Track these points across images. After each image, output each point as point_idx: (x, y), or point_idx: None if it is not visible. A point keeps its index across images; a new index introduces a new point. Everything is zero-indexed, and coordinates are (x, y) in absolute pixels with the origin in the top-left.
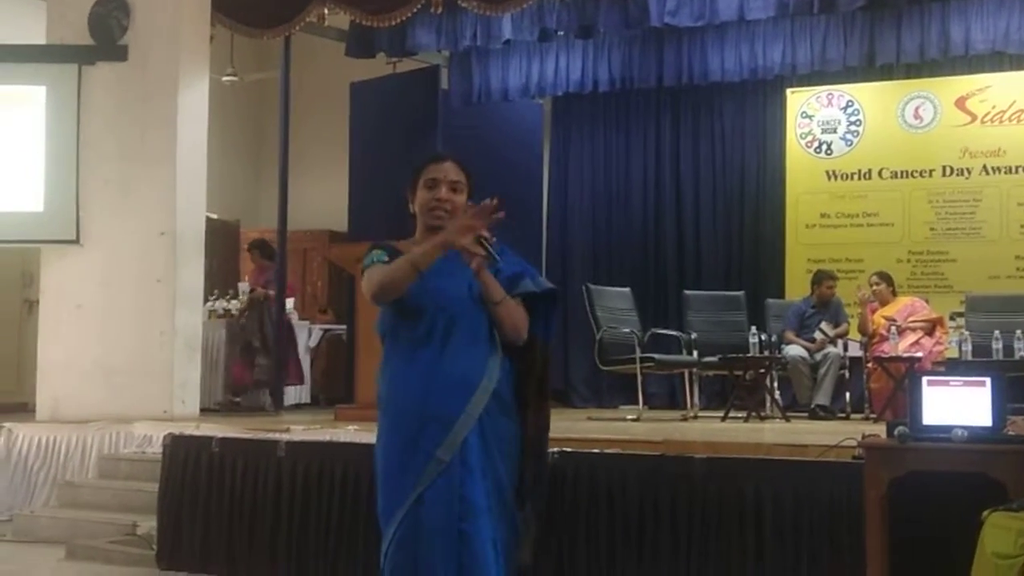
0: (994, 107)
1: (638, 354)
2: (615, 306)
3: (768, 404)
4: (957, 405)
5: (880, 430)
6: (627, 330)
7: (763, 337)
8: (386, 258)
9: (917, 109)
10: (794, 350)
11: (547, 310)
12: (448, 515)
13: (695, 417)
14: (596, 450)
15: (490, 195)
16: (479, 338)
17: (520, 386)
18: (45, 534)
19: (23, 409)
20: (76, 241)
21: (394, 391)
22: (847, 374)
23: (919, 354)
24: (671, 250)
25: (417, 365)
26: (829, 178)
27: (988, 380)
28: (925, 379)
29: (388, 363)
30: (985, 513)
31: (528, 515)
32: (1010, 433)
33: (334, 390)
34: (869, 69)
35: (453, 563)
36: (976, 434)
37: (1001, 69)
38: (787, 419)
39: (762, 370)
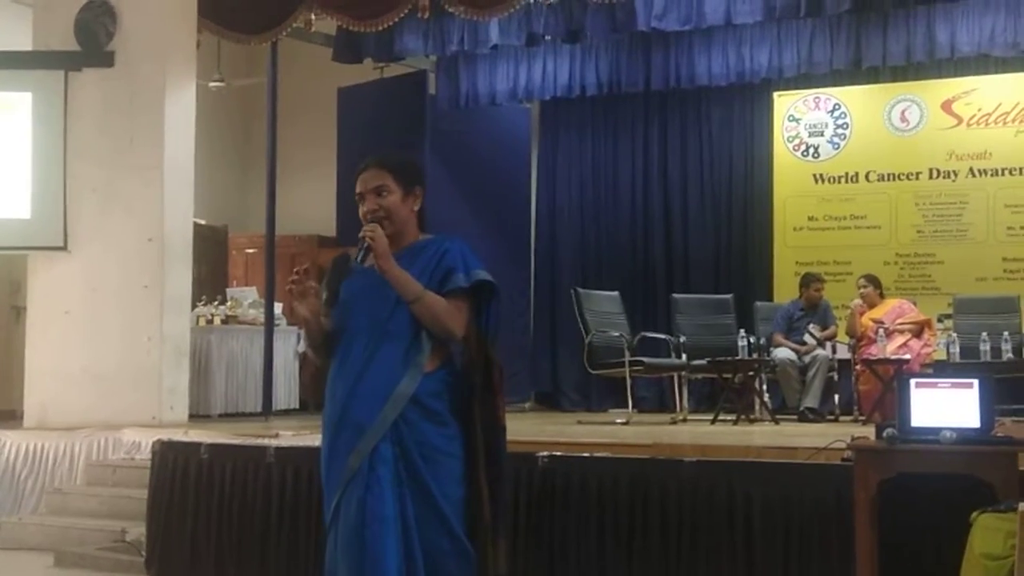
0: (980, 110)
1: (627, 358)
2: (604, 310)
3: (757, 407)
4: (945, 407)
5: (869, 432)
6: (616, 334)
7: (752, 340)
8: (324, 293)
9: (903, 112)
10: (783, 353)
11: (487, 305)
12: (353, 521)
13: (684, 420)
14: (586, 454)
15: (477, 197)
16: (402, 347)
17: (464, 390)
18: (33, 541)
19: (11, 416)
20: (64, 248)
21: (327, 397)
22: (836, 376)
23: (907, 356)
24: (659, 254)
25: (343, 376)
26: (816, 181)
27: (976, 382)
28: (913, 381)
29: (328, 375)
30: (974, 514)
31: (488, 524)
32: (998, 435)
33: (321, 394)
34: (855, 72)
35: (356, 567)
36: (964, 436)
37: (987, 72)
38: (776, 421)
39: (751, 373)
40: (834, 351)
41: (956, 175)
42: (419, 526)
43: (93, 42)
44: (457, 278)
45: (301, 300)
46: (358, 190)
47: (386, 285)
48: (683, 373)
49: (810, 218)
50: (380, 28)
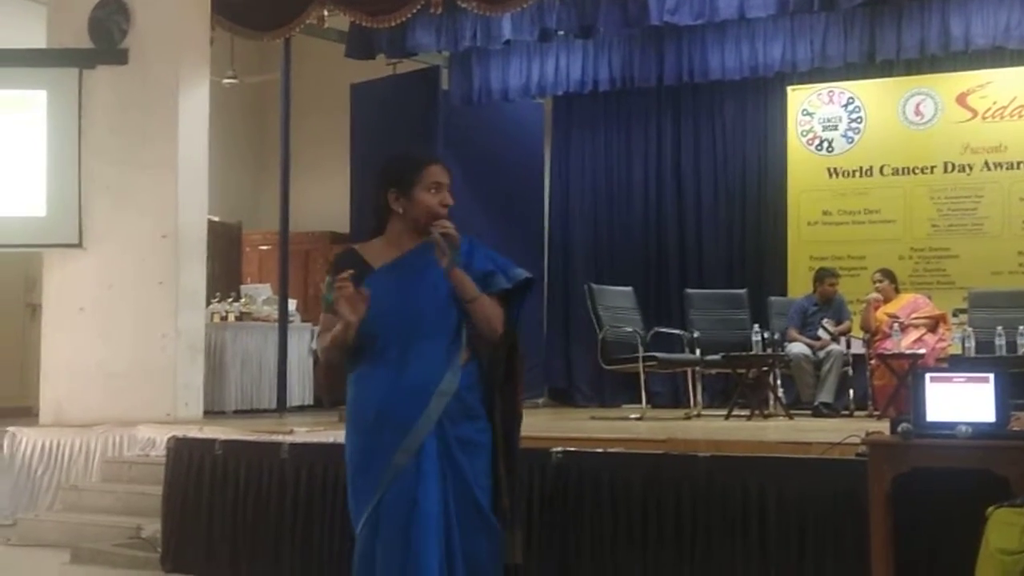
0: (995, 103)
1: (641, 353)
2: (617, 305)
3: (771, 402)
4: (960, 401)
5: (883, 427)
6: (630, 329)
7: (766, 335)
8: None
9: (918, 106)
10: (797, 348)
11: (521, 299)
12: (400, 520)
13: (698, 415)
14: (600, 449)
15: (490, 193)
16: (442, 342)
17: (489, 383)
18: (49, 538)
19: (27, 413)
20: (78, 245)
21: (358, 396)
22: (850, 371)
23: (922, 351)
24: (673, 249)
25: (381, 371)
26: (830, 175)
27: (991, 376)
28: (928, 376)
29: (358, 366)
30: (989, 509)
31: (507, 513)
32: (1014, 429)
33: (337, 392)
34: (869, 66)
35: (398, 566)
36: (980, 430)
37: (1002, 65)
38: (790, 417)
39: (765, 368)
40: (848, 346)
41: (971, 169)
42: (459, 521)
43: (107, 40)
44: (499, 280)
45: (351, 306)
46: (438, 180)
47: (415, 283)
48: (697, 368)
49: (824, 212)
50: (393, 24)
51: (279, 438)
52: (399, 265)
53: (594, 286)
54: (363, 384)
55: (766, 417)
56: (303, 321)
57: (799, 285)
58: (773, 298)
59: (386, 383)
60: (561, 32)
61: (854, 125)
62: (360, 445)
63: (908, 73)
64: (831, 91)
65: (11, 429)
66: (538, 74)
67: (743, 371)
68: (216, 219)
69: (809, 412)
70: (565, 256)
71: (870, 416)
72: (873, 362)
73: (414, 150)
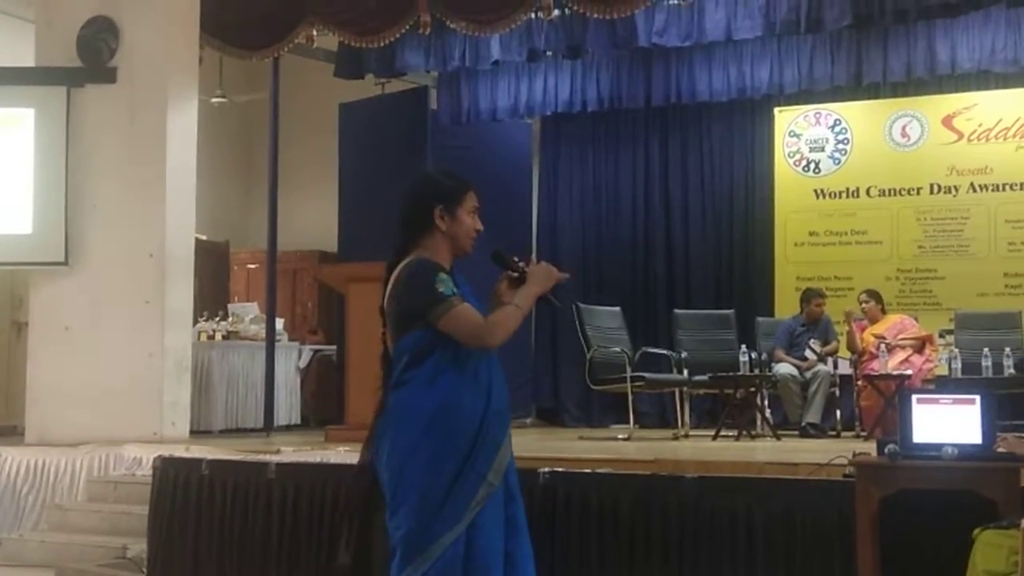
0: (980, 125)
1: (629, 373)
2: (605, 325)
3: (759, 422)
4: (947, 423)
5: (870, 448)
6: (617, 349)
7: (753, 355)
8: (457, 288)
9: (904, 127)
10: (784, 368)
11: None
12: (499, 538)
13: (686, 436)
14: (588, 470)
15: (479, 213)
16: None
17: None
18: (34, 558)
19: (12, 432)
20: (65, 263)
21: (450, 411)
22: (837, 392)
23: (909, 372)
24: (661, 269)
25: (475, 391)
26: (817, 196)
27: (978, 398)
28: (915, 397)
29: (439, 380)
30: (976, 531)
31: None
32: (1000, 451)
33: (324, 411)
34: (856, 88)
35: None
36: (966, 452)
37: (987, 87)
38: (778, 437)
39: (752, 388)
40: (835, 366)
41: (957, 190)
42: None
43: (95, 58)
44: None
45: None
46: (476, 204)
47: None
48: (684, 389)
49: (811, 233)
50: (381, 44)
51: (266, 458)
52: (464, 285)
53: (582, 306)
54: (460, 403)
55: (753, 438)
56: (290, 340)
57: (786, 306)
58: (760, 319)
59: (481, 404)
60: (549, 53)
61: (841, 146)
62: (447, 461)
63: (894, 95)
64: (818, 113)
65: None
66: (526, 94)
67: (731, 391)
68: (204, 238)
69: (796, 433)
70: None
71: (857, 437)
72: (860, 383)
73: (464, 178)
